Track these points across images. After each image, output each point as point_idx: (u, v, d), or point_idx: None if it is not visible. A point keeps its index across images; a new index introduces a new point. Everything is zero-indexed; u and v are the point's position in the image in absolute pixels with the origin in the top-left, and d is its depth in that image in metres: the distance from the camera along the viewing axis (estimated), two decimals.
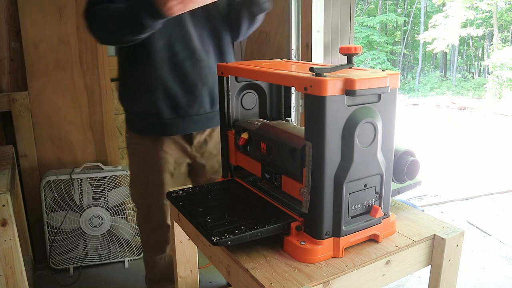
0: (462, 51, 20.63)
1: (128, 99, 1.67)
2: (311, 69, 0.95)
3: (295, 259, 1.01)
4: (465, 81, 18.74)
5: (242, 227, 1.03)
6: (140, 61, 1.54)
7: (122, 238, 2.64)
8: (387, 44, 19.48)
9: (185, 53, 1.55)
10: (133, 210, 2.58)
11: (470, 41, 19.93)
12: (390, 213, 1.11)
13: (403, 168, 1.13)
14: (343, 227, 1.00)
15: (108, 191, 2.52)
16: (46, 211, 2.43)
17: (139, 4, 1.31)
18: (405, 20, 20.32)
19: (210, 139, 1.72)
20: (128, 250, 2.67)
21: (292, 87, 1.32)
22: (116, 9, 1.38)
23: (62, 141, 2.56)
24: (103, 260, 2.63)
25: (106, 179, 2.50)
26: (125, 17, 1.36)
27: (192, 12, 1.42)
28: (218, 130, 1.68)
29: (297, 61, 1.26)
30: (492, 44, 17.05)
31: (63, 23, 2.46)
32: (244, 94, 1.37)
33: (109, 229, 2.58)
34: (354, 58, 1.04)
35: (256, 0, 1.55)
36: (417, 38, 19.75)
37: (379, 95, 0.98)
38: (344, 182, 0.96)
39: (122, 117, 2.72)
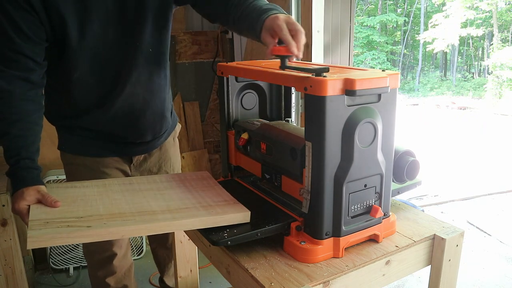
0: (462, 51, 20.61)
1: (59, 114, 1.44)
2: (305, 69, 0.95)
3: (295, 259, 1.01)
4: (465, 81, 18.73)
5: (242, 227, 1.03)
6: (71, 94, 1.35)
7: None
8: (387, 44, 19.47)
9: (122, 97, 1.37)
10: None
11: (470, 41, 19.91)
12: (390, 213, 1.11)
13: (403, 168, 1.13)
14: (343, 227, 1.00)
15: None
16: None
17: (14, 159, 1.15)
18: (405, 20, 20.30)
19: (150, 156, 1.60)
20: None
21: (292, 87, 1.32)
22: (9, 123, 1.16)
23: None
24: None
25: None
26: (3, 147, 1.17)
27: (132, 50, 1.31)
28: (157, 147, 1.59)
29: (297, 61, 1.26)
30: (492, 44, 17.05)
31: None
32: (244, 94, 1.37)
33: None
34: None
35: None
36: (417, 38, 19.75)
37: (379, 95, 0.98)
38: (344, 182, 0.96)
39: None
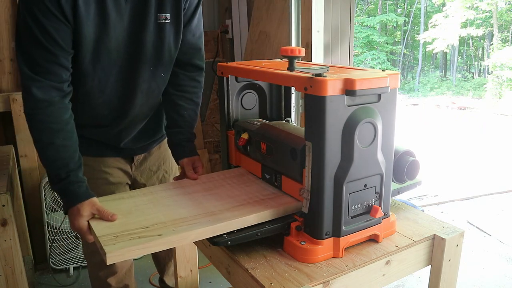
0: (462, 51, 20.59)
1: None
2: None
3: (295, 259, 1.01)
4: (465, 81, 18.71)
5: (242, 227, 1.03)
6: (80, 95, 1.32)
7: None
8: (387, 44, 19.45)
9: (123, 101, 1.37)
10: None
11: (470, 41, 19.89)
12: (390, 213, 1.11)
13: (403, 168, 1.13)
14: (343, 227, 1.00)
15: None
16: (46, 211, 2.42)
17: (64, 181, 1.15)
18: (405, 20, 20.28)
19: (149, 155, 1.63)
20: None
21: (292, 87, 1.32)
22: (57, 146, 1.16)
23: None
24: None
25: None
26: (48, 163, 1.17)
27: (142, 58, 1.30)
28: (157, 146, 1.63)
29: (297, 61, 1.25)
30: (492, 44, 17.04)
31: None
32: (244, 94, 1.37)
33: None
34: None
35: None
36: (417, 38, 19.73)
37: (379, 95, 0.98)
38: (344, 182, 0.96)
39: None
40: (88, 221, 1.08)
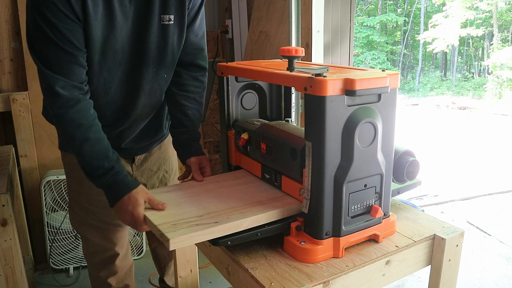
0: (462, 51, 20.60)
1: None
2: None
3: (295, 259, 1.01)
4: (465, 81, 18.73)
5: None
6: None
7: None
8: (387, 44, 19.47)
9: (126, 100, 1.37)
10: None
11: (470, 41, 19.91)
12: (390, 213, 1.11)
13: (403, 168, 1.13)
14: (343, 227, 1.00)
15: None
16: (46, 211, 2.42)
17: (108, 178, 1.15)
18: (405, 20, 20.29)
19: (150, 155, 1.62)
20: None
21: (292, 87, 1.32)
22: (92, 140, 1.17)
23: None
24: None
25: None
26: (88, 159, 1.17)
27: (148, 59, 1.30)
28: (157, 146, 1.63)
29: (297, 61, 1.25)
30: (492, 44, 17.05)
31: None
32: (244, 94, 1.37)
33: None
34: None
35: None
36: (417, 38, 19.73)
37: (379, 95, 0.98)
38: (344, 182, 0.96)
39: None
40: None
